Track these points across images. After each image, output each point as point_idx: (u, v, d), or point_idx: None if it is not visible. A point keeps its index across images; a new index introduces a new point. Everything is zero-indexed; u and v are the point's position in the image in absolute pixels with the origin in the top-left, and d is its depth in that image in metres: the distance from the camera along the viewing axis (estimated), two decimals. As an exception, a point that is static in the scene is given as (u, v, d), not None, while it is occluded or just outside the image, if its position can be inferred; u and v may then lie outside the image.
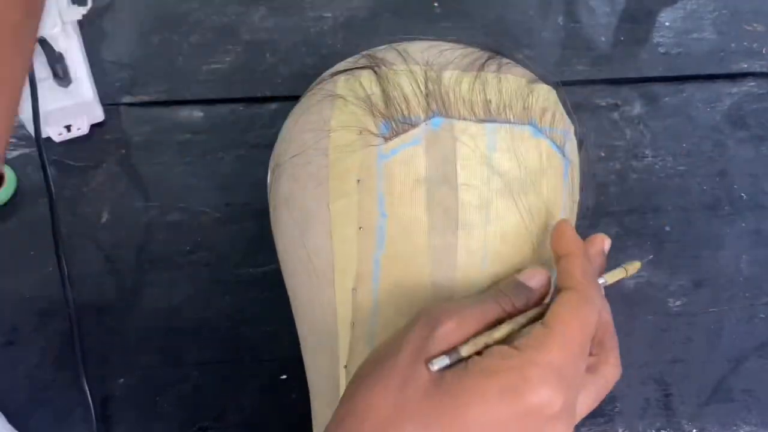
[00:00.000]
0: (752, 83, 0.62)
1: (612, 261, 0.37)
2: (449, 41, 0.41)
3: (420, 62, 0.38)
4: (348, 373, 0.36)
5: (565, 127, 0.40)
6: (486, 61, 0.39)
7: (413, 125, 0.36)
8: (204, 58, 0.61)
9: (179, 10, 0.64)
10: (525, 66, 0.41)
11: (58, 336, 0.49)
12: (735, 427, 0.48)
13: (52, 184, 0.48)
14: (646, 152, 0.58)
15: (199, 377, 0.48)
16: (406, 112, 0.36)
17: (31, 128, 0.49)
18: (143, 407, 0.47)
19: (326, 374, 0.38)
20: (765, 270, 0.53)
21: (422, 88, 0.37)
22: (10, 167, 0.54)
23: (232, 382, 0.48)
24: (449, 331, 0.30)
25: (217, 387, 0.48)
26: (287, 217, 0.39)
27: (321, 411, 0.39)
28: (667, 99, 0.61)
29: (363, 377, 0.30)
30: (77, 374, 0.47)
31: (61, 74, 0.53)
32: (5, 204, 0.53)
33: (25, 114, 0.49)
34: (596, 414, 0.47)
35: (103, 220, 0.54)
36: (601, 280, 0.35)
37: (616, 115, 0.60)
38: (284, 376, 0.48)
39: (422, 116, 0.36)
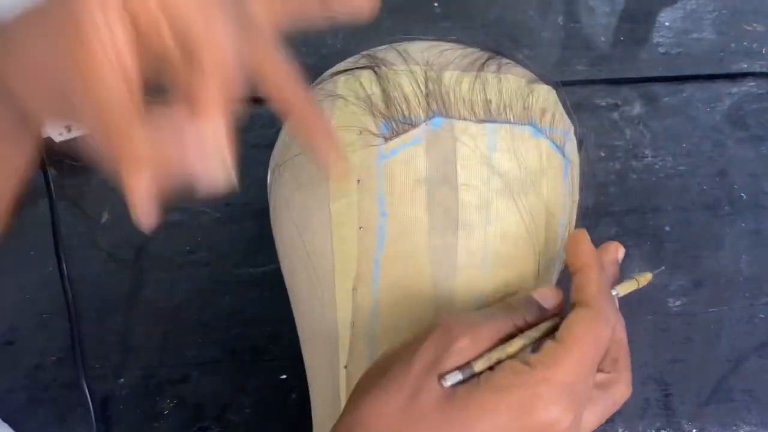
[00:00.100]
0: (752, 83, 0.62)
1: (612, 261, 0.37)
2: (449, 41, 0.41)
3: (420, 62, 0.38)
4: (348, 373, 0.36)
5: (565, 127, 0.40)
6: (486, 61, 0.39)
7: (413, 125, 0.36)
8: (204, 58, 0.61)
9: (179, 10, 0.64)
10: (525, 66, 0.41)
11: (58, 336, 0.49)
12: (735, 427, 0.48)
13: (52, 184, 0.48)
14: (646, 152, 0.58)
15: (199, 377, 0.48)
16: (406, 112, 0.36)
17: (31, 128, 0.49)
18: (143, 407, 0.47)
19: (326, 374, 0.38)
20: (765, 270, 0.53)
21: (422, 88, 0.37)
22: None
23: (232, 382, 0.48)
24: (464, 348, 0.30)
25: (217, 387, 0.48)
26: (287, 217, 0.39)
27: (321, 411, 0.39)
28: (666, 99, 0.61)
29: (371, 385, 0.30)
30: (77, 374, 0.47)
31: (61, 74, 0.53)
32: (5, 204, 0.53)
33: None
34: (596, 414, 0.47)
35: (103, 220, 0.53)
36: (613, 292, 0.35)
37: (616, 115, 0.60)
38: (284, 376, 0.48)
39: (422, 116, 0.36)
